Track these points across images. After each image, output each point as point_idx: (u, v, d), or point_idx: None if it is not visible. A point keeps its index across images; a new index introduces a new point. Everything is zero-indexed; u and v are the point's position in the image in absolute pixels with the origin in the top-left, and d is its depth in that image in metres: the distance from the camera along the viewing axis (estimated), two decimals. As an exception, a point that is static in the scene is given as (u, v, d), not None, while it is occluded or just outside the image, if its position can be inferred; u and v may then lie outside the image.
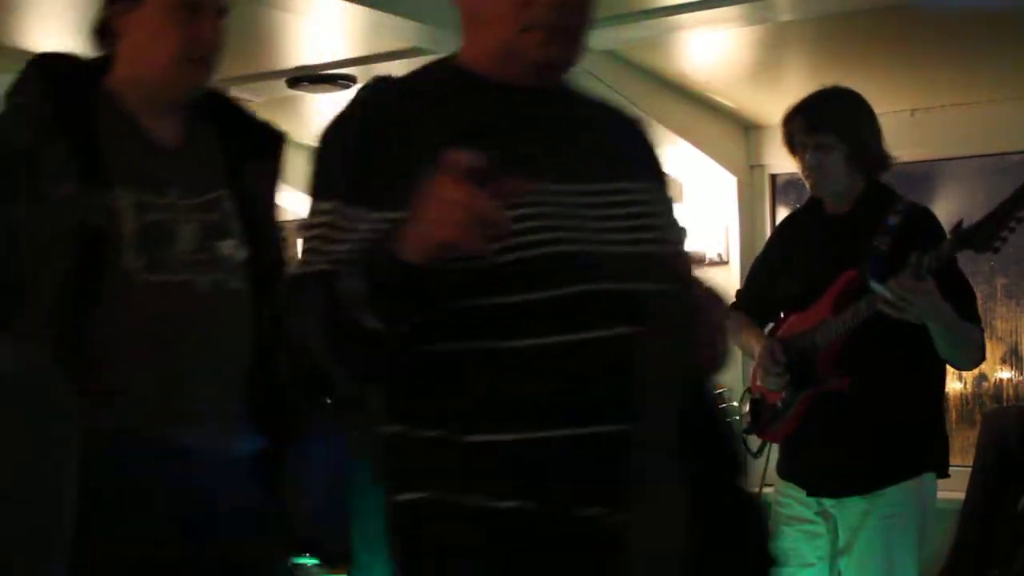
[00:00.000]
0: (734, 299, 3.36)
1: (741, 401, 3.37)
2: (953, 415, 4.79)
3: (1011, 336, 4.69)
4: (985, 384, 4.75)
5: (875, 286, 2.82)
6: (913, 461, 3.05)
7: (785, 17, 3.85)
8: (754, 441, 3.82)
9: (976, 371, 4.73)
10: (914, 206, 3.11)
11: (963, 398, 4.79)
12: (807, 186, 3.16)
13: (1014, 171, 4.58)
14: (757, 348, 3.18)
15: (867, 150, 3.05)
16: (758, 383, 3.27)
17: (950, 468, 4.60)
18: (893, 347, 2.96)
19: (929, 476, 3.08)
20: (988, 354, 4.71)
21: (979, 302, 4.67)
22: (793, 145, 3.09)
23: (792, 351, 3.10)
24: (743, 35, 4.06)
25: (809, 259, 3.12)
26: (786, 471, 3.23)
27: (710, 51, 4.26)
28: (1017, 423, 4.24)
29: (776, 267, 3.25)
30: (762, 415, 3.24)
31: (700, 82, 4.51)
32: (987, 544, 4.10)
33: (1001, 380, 4.73)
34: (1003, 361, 4.72)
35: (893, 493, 3.01)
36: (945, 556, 4.27)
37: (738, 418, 3.33)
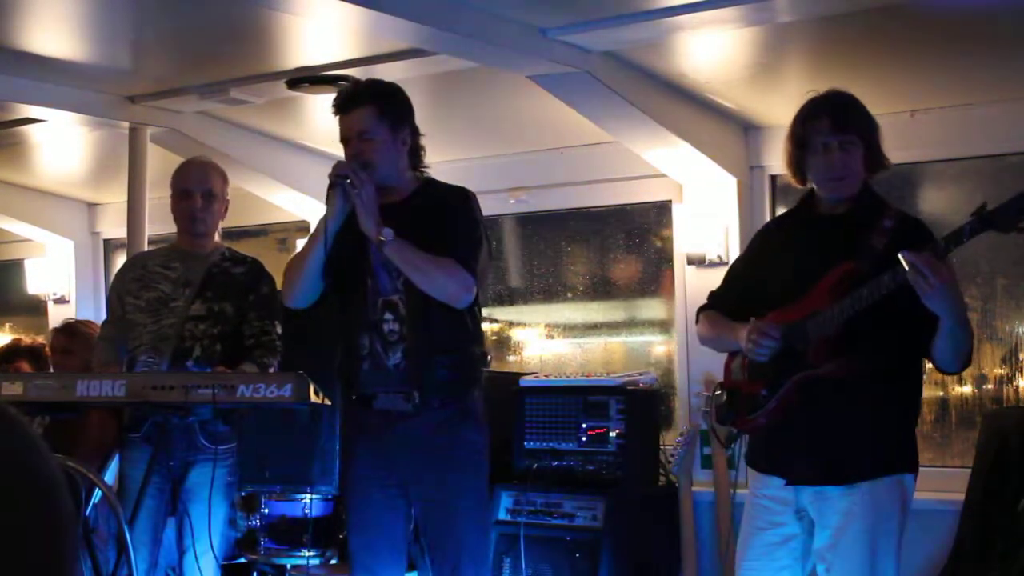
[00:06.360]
0: (706, 301, 3.34)
1: (712, 397, 3.33)
2: (953, 416, 4.79)
3: (1011, 337, 4.69)
4: (985, 385, 4.75)
5: (903, 255, 2.75)
6: (895, 458, 3.06)
7: (785, 18, 3.85)
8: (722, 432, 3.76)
9: (976, 372, 4.73)
10: (906, 213, 3.14)
11: (963, 399, 4.78)
12: (823, 186, 3.10)
13: (1014, 171, 4.58)
14: (742, 332, 3.09)
15: (877, 151, 3.07)
16: (732, 376, 3.24)
17: (950, 469, 4.64)
18: (888, 339, 2.96)
19: (909, 476, 3.07)
20: (988, 355, 4.74)
21: (979, 302, 4.73)
22: (809, 145, 3.05)
23: (783, 337, 3.04)
24: (743, 35, 4.06)
25: (801, 257, 3.11)
26: (764, 463, 3.17)
27: (710, 51, 4.26)
28: (1017, 423, 4.24)
29: (761, 270, 3.22)
30: (739, 406, 3.19)
31: (700, 82, 4.51)
32: (987, 544, 4.10)
33: (1001, 381, 4.73)
34: (1003, 362, 4.72)
35: (875, 489, 3.00)
36: (945, 556, 4.27)
37: (707, 411, 3.31)
